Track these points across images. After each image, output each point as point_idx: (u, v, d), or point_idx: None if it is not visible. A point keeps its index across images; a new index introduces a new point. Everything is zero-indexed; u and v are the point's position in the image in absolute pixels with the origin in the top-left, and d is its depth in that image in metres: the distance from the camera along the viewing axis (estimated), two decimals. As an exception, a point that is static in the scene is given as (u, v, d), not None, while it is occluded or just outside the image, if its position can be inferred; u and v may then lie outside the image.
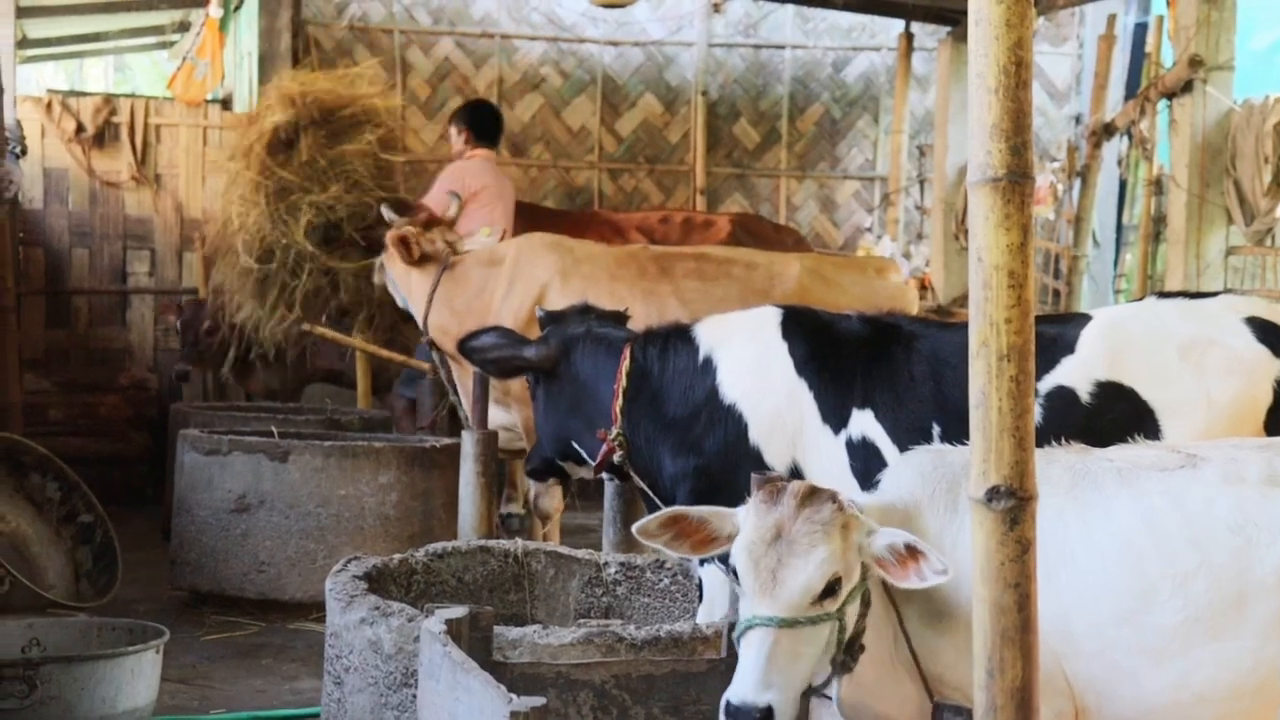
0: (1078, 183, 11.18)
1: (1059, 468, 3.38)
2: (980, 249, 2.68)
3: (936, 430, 4.43)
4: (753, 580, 3.13)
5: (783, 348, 4.70)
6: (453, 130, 9.57)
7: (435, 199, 8.51)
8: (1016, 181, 2.65)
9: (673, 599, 5.16)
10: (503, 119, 10.22)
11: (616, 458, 4.84)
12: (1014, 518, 2.70)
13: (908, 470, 3.47)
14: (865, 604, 3.22)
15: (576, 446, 5.03)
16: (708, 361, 4.78)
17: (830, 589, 3.11)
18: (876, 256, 11.12)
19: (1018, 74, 2.62)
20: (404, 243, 7.43)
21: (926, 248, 12.96)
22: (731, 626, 3.38)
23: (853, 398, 4.56)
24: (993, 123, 2.65)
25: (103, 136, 11.43)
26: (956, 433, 4.32)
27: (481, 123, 9.53)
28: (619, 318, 5.29)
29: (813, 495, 3.19)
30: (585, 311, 5.22)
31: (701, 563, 4.72)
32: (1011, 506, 2.70)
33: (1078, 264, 11.12)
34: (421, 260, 7.48)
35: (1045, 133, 13.32)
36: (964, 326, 4.62)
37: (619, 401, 4.82)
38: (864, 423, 4.53)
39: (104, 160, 11.47)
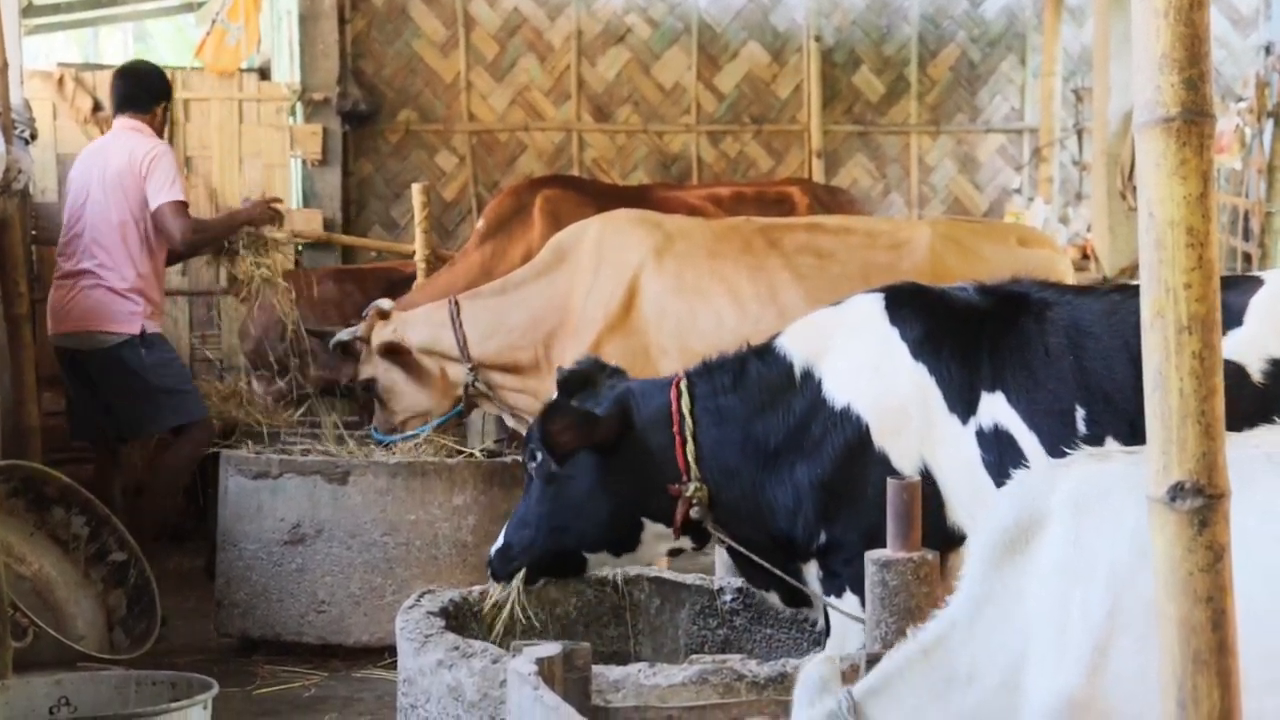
0: (1269, 125, 11.01)
1: (1247, 456, 3.30)
2: (1151, 203, 2.65)
3: (1081, 414, 4.43)
4: None
5: (893, 333, 4.72)
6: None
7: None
8: (1193, 121, 2.61)
9: (800, 629, 5.16)
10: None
11: (695, 513, 4.78)
12: (1203, 519, 2.66)
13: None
14: None
15: (645, 520, 4.91)
16: (807, 374, 4.78)
17: None
18: (1021, 224, 11.05)
19: (1191, -8, 2.59)
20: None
21: (1087, 210, 12.86)
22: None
23: (980, 380, 4.57)
24: (1162, 52, 2.61)
25: (123, 116, 11.54)
26: (1101, 415, 4.37)
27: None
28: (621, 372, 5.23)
29: None
30: (600, 365, 5.18)
31: (827, 592, 4.72)
32: (1200, 506, 2.66)
33: (1271, 221, 10.94)
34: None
35: (1228, 67, 13.15)
36: (1106, 292, 4.63)
37: (689, 447, 4.79)
38: (995, 408, 4.54)
39: (125, 143, 11.58)
